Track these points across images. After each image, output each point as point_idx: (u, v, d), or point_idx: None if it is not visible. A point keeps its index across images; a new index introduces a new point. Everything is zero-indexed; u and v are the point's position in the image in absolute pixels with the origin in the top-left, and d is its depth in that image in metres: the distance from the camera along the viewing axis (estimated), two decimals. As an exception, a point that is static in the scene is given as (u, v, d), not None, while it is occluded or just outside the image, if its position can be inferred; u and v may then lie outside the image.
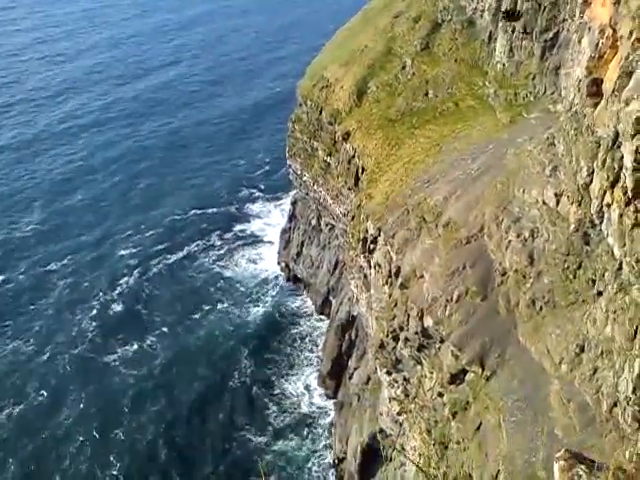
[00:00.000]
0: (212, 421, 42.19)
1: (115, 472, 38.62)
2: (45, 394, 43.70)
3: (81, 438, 40.47)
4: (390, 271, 27.61)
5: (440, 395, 21.63)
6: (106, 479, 38.41)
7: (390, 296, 27.00)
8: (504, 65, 34.32)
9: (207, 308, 52.16)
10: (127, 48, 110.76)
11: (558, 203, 18.83)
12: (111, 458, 39.40)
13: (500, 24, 34.90)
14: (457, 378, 20.64)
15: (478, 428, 18.36)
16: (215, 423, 42.06)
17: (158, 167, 72.95)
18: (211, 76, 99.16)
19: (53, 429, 41.04)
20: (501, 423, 17.12)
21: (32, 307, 51.45)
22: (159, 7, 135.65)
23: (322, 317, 50.63)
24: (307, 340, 49.13)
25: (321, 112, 44.44)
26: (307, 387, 44.78)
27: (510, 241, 20.83)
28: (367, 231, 31.14)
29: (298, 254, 54.18)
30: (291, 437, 41.17)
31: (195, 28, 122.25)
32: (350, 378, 39.98)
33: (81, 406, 42.80)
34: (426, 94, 37.55)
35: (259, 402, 43.75)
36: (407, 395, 25.21)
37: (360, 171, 37.77)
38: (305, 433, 41.55)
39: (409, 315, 24.21)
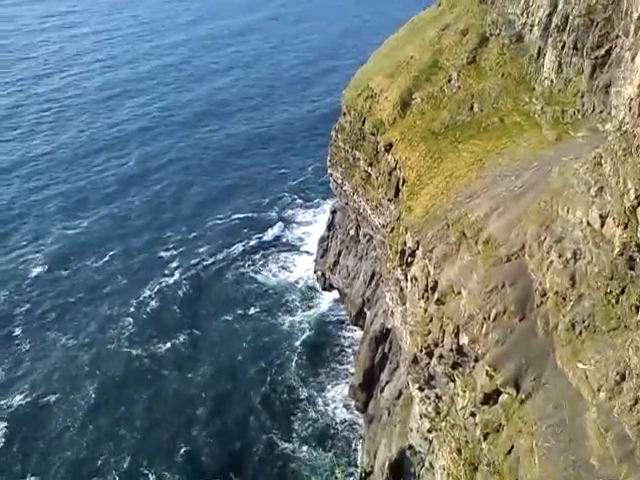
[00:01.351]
0: (240, 422, 42.40)
1: (131, 464, 39.12)
2: (83, 387, 44.69)
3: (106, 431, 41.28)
4: (427, 285, 27.27)
5: (472, 415, 21.20)
6: (124, 466, 39.18)
7: (426, 311, 26.66)
8: (552, 81, 33.71)
9: (240, 312, 52.66)
10: (181, 55, 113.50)
11: (603, 225, 18.33)
12: (128, 450, 40.11)
13: (550, 40, 34.33)
14: (491, 399, 20.19)
15: (510, 451, 17.92)
16: (242, 425, 42.25)
17: (206, 172, 74.80)
18: (263, 84, 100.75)
19: (81, 424, 41.87)
20: (534, 448, 16.66)
21: (76, 302, 52.98)
22: (214, 15, 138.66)
23: (356, 328, 50.38)
24: (339, 351, 48.92)
25: (364, 122, 44.36)
26: (335, 398, 44.53)
27: (551, 261, 20.35)
28: (405, 244, 30.85)
29: (335, 263, 54.09)
30: (316, 446, 41.01)
31: (248, 36, 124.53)
32: (381, 391, 39.60)
33: (111, 396, 43.74)
34: (471, 108, 37.12)
35: (286, 408, 43.77)
36: (438, 412, 24.82)
37: (401, 183, 37.50)
38: (330, 444, 41.32)
39: (444, 331, 23.86)
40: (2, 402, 43.07)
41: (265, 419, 42.76)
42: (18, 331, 49.43)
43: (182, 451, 40.16)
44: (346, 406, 43.81)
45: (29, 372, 45.73)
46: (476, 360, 21.71)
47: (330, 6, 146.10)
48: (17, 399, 43.33)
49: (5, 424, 41.41)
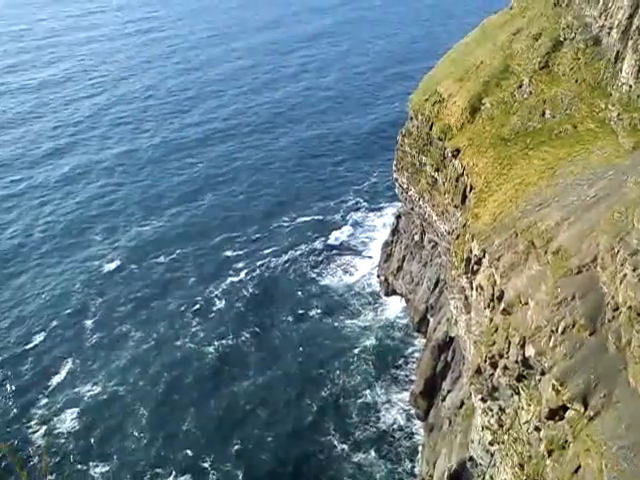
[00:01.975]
0: (298, 423, 42.78)
1: (191, 457, 40.04)
2: (149, 380, 46.20)
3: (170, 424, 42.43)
4: (493, 295, 26.79)
5: (537, 430, 20.69)
6: (184, 459, 40.15)
7: (491, 321, 26.21)
8: (631, 87, 32.44)
9: (302, 313, 53.30)
10: (253, 59, 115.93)
11: (683, 239, 17.57)
12: (189, 443, 41.19)
13: (630, 43, 33.06)
14: (557, 414, 19.66)
15: (576, 471, 17.38)
16: (301, 425, 42.62)
17: (274, 175, 76.15)
18: (333, 89, 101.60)
19: (146, 415, 43.22)
20: (603, 469, 16.09)
21: (145, 298, 54.93)
22: (284, 20, 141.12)
23: (418, 334, 49.93)
24: (400, 356, 48.56)
25: (432, 127, 43.94)
26: (395, 404, 44.23)
27: (625, 274, 19.64)
28: (471, 251, 30.38)
29: (398, 269, 53.78)
30: (372, 452, 40.76)
31: (319, 41, 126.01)
32: (443, 400, 39.10)
33: (176, 390, 45.03)
34: (543, 114, 36.16)
35: (345, 411, 43.75)
36: (501, 425, 24.32)
37: (468, 189, 36.96)
38: (387, 450, 41.00)
39: (510, 342, 23.39)
40: (74, 390, 45.12)
41: (324, 421, 42.97)
42: (90, 323, 51.63)
43: (241, 447, 40.91)
44: (406, 413, 43.48)
45: (99, 363, 47.67)
46: (542, 373, 21.18)
47: (402, 11, 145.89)
48: (87, 388, 45.27)
49: (76, 410, 43.34)
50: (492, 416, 25.32)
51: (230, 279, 57.31)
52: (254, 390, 45.45)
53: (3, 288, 55.40)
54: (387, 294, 55.12)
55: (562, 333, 20.75)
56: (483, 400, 25.94)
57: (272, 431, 42.13)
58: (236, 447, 41.01)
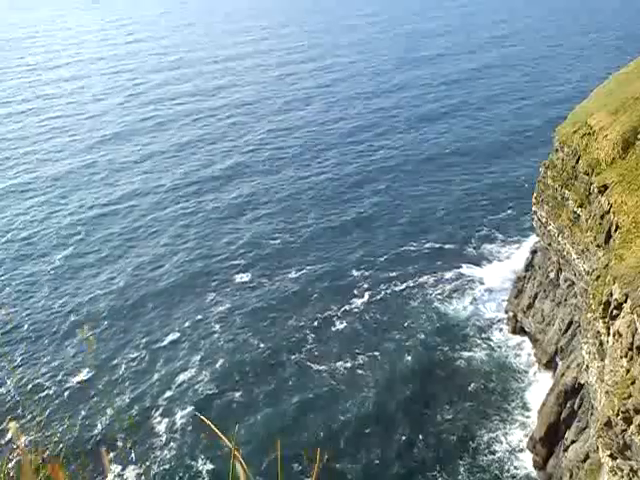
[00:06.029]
0: (404, 455, 41.45)
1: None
2: (254, 384, 47.40)
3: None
4: (632, 344, 24.57)
5: (673, 499, 18.56)
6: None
7: (628, 371, 24.02)
8: None
9: (421, 337, 52.10)
10: (409, 92, 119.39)
11: None
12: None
13: None
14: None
15: None
16: (406, 458, 41.25)
17: (407, 201, 75.82)
18: (492, 129, 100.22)
19: (255, 422, 44.10)
20: None
21: (268, 309, 56.37)
22: (440, 57, 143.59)
23: (543, 376, 46.99)
24: (521, 398, 45.82)
25: (578, 160, 41.54)
26: (510, 448, 41.61)
27: None
28: (611, 295, 28.13)
29: (529, 306, 51.11)
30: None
31: (474, 81, 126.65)
32: (565, 450, 36.32)
33: (287, 412, 45.38)
34: None
35: (454, 450, 41.71)
36: (631, 488, 22.12)
37: (613, 228, 34.38)
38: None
39: (648, 398, 21.29)
40: (194, 388, 47.14)
41: (431, 457, 41.30)
42: (217, 327, 53.88)
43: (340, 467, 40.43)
44: (522, 459, 40.87)
45: (220, 366, 49.41)
46: (684, 437, 19.02)
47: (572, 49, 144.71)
48: (203, 388, 47.04)
49: (192, 408, 45.00)
50: (622, 477, 23.13)
51: (353, 300, 57.34)
52: (364, 412, 44.78)
53: (161, 303, 58.21)
54: (514, 331, 52.52)
55: None
56: (612, 457, 23.78)
57: (380, 457, 41.22)
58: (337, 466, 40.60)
